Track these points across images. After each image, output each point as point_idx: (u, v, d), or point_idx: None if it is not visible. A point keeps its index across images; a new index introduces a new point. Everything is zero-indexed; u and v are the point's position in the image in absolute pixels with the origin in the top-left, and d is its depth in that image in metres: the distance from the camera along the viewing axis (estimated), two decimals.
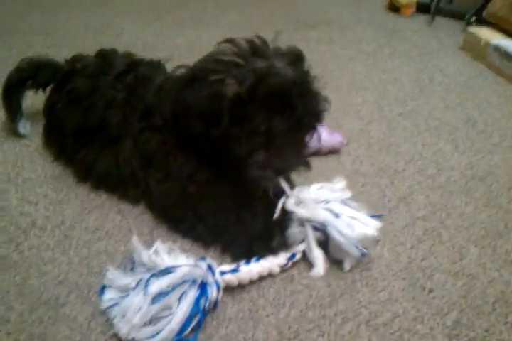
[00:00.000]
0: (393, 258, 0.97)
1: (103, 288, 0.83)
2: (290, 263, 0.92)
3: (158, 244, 0.85)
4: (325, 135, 1.26)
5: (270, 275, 0.90)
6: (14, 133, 1.29)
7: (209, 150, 0.90)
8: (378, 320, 0.84)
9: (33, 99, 1.31)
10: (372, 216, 0.95)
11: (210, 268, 0.83)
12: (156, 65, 1.14)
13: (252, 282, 0.88)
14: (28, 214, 1.04)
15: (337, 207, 0.93)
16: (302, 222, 0.93)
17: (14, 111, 1.26)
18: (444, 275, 0.94)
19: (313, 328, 0.82)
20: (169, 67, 1.15)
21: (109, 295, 0.81)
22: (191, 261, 0.83)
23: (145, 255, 0.83)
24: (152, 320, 0.77)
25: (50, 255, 0.94)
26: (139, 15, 2.26)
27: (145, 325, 0.76)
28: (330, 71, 1.80)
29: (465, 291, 0.91)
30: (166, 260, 0.82)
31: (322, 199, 0.95)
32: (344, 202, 0.96)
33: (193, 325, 0.78)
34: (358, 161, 1.28)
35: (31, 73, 1.24)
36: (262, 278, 0.90)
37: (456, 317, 0.86)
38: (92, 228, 1.01)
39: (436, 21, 2.34)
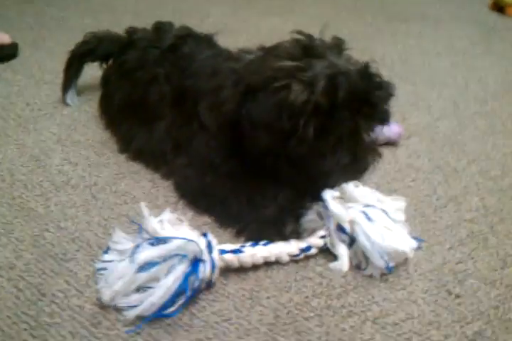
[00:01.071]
0: (426, 257, 0.88)
1: (107, 250, 0.82)
2: (303, 255, 0.85)
3: (166, 213, 0.82)
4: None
5: (278, 262, 0.84)
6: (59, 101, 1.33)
7: (275, 164, 0.86)
8: (388, 319, 0.76)
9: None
10: (413, 237, 0.86)
11: (208, 245, 0.78)
12: (206, 40, 1.12)
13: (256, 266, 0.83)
14: (65, 173, 1.05)
15: (375, 213, 0.85)
16: (321, 215, 0.86)
17: (67, 82, 1.29)
18: (479, 282, 0.84)
19: (314, 317, 0.76)
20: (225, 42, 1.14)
21: (107, 257, 0.80)
22: (194, 235, 0.79)
23: (149, 222, 0.80)
24: (139, 290, 0.74)
25: (73, 212, 0.94)
26: (228, 2, 2.27)
27: (131, 293, 0.74)
28: (410, 65, 1.70)
29: (498, 302, 0.80)
30: (167, 230, 0.79)
31: (363, 202, 0.88)
32: (388, 214, 0.86)
33: (180, 301, 0.74)
34: (414, 155, 1.18)
35: (93, 46, 1.26)
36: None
37: (480, 328, 0.76)
38: (121, 192, 1.00)
39: None
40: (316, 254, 0.87)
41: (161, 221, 0.81)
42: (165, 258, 0.75)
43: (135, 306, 0.73)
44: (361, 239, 0.82)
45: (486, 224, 0.97)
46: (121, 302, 0.74)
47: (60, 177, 1.04)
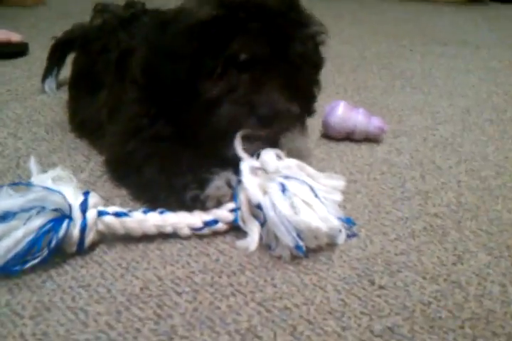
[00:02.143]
0: (360, 245, 0.73)
1: None
2: (207, 230, 0.72)
3: (55, 170, 0.73)
4: (361, 118, 1.05)
5: (177, 235, 0.72)
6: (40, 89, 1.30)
7: (177, 98, 0.77)
8: (279, 303, 0.61)
9: None
10: (342, 219, 0.72)
11: (83, 202, 0.68)
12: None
13: (149, 236, 0.71)
14: (4, 144, 1.01)
15: (294, 186, 0.70)
16: (230, 183, 0.74)
17: (48, 70, 1.27)
18: (415, 276, 0.67)
19: (189, 292, 0.63)
20: None
21: None
22: (70, 190, 0.69)
23: (33, 176, 0.71)
24: None
25: None
26: None
27: None
28: (432, 78, 1.57)
29: (433, 298, 0.63)
30: (47, 184, 0.69)
31: (283, 174, 0.74)
32: (313, 190, 0.72)
33: (33, 259, 0.64)
34: (395, 152, 1.04)
35: (76, 35, 1.23)
36: (174, 235, 0.72)
37: (394, 324, 0.59)
38: (49, 163, 0.93)
39: None
40: (227, 232, 0.74)
41: (47, 176, 0.72)
42: (24, 209, 0.65)
43: None
44: (269, 211, 0.68)
45: (453, 220, 0.80)
46: None
47: None
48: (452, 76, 1.59)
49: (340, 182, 0.77)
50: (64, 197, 0.66)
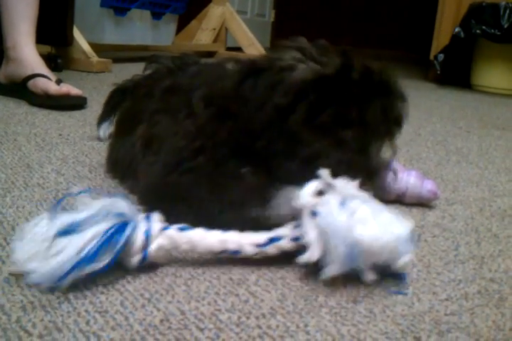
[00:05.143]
0: (406, 302, 0.66)
1: None
2: (270, 247, 0.67)
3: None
4: (413, 180, 1.01)
5: (206, 274, 0.68)
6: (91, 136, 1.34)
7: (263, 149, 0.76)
8: None
9: None
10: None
11: (147, 216, 0.66)
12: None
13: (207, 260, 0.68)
14: (45, 178, 1.01)
15: (356, 204, 0.66)
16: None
17: (104, 115, 1.28)
18: (467, 338, 0.60)
19: (212, 329, 0.57)
20: None
21: None
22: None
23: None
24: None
25: (27, 207, 0.87)
26: None
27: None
28: (489, 156, 1.52)
29: None
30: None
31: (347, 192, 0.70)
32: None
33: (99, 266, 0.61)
34: (448, 218, 0.97)
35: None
36: (203, 273, 0.68)
37: None
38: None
39: None
40: (262, 274, 0.69)
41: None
42: (88, 218, 0.63)
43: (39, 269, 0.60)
44: (322, 221, 0.64)
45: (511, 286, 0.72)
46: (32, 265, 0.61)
47: (38, 179, 0.99)
48: (511, 156, 1.54)
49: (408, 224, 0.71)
50: (130, 204, 0.65)
